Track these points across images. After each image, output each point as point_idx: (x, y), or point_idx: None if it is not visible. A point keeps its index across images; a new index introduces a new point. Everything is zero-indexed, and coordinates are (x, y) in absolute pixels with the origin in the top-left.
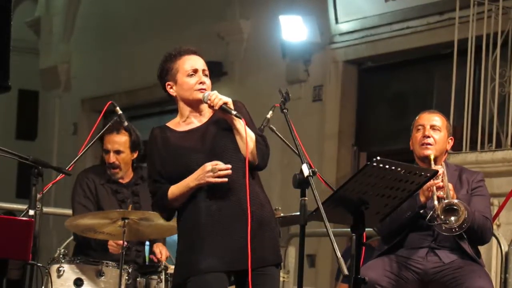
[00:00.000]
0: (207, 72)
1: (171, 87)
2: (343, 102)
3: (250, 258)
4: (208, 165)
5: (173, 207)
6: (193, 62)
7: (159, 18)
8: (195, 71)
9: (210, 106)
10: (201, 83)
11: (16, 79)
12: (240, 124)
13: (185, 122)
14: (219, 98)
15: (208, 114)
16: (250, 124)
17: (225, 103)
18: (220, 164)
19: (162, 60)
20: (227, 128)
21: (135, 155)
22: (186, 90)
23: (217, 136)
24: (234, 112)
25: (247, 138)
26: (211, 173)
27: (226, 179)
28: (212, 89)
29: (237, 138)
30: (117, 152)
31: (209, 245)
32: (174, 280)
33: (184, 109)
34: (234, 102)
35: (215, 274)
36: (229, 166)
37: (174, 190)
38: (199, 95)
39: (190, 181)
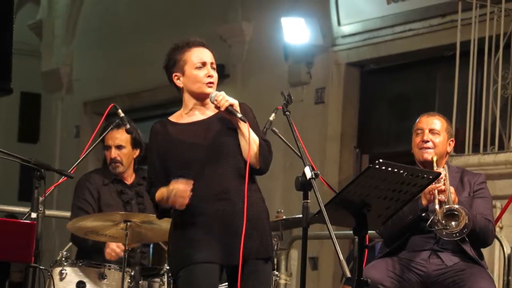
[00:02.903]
0: (214, 65)
1: (178, 78)
2: (346, 104)
3: (238, 254)
4: (171, 188)
5: (162, 208)
6: (202, 54)
7: (161, 21)
8: (204, 64)
9: (216, 107)
10: (209, 76)
11: (18, 81)
12: (244, 127)
13: (188, 114)
14: (225, 99)
15: (212, 109)
16: (255, 127)
17: (231, 105)
18: (180, 186)
19: (169, 51)
20: (231, 127)
21: (137, 152)
22: (194, 83)
23: (220, 133)
24: (239, 115)
25: (249, 141)
26: (172, 198)
27: (183, 206)
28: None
29: (241, 140)
30: (119, 147)
31: (200, 240)
32: (170, 271)
33: (189, 101)
34: (240, 105)
35: (204, 264)
36: (188, 188)
37: (159, 194)
38: (207, 90)
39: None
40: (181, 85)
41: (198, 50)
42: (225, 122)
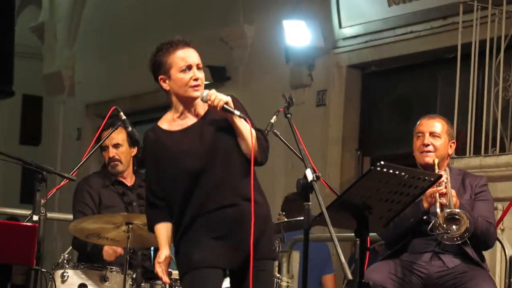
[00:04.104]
0: (201, 65)
1: (164, 81)
2: (347, 107)
3: (244, 258)
4: (158, 268)
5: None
6: (186, 56)
7: (162, 23)
8: (189, 66)
9: (211, 106)
10: (195, 79)
11: (20, 84)
12: (242, 123)
13: (179, 118)
14: (219, 98)
15: (202, 108)
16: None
17: (226, 103)
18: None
19: (154, 53)
20: (225, 126)
21: (135, 151)
22: (180, 86)
23: (216, 136)
24: (237, 113)
25: (252, 138)
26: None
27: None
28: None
29: (239, 137)
30: (116, 146)
31: (206, 244)
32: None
33: (178, 104)
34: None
35: (209, 269)
36: (167, 280)
37: (156, 234)
38: (194, 93)
39: (160, 250)
40: (167, 88)
41: (183, 51)
42: (218, 122)
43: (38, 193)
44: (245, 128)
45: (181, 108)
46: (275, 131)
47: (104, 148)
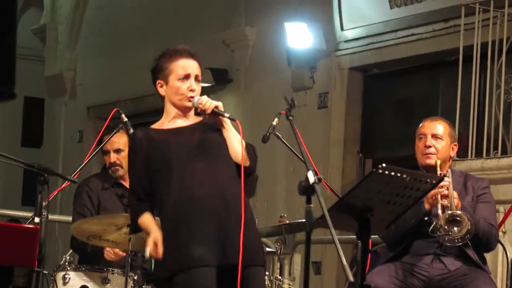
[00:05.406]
0: (200, 78)
1: (161, 86)
2: (349, 109)
3: (235, 253)
4: (146, 251)
5: (137, 227)
6: (188, 66)
7: (164, 25)
8: (187, 76)
9: (202, 111)
10: (191, 90)
11: (22, 86)
12: (232, 132)
13: (170, 122)
14: (210, 102)
15: (194, 119)
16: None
17: (216, 107)
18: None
19: (158, 56)
20: (216, 129)
21: None
22: (175, 94)
23: (208, 134)
24: (227, 114)
25: (242, 141)
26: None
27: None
28: (218, 97)
29: (228, 141)
30: (117, 151)
31: (195, 241)
32: (158, 273)
33: (171, 109)
34: None
35: (205, 268)
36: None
37: (142, 223)
38: (187, 103)
39: (151, 232)
40: (163, 94)
41: (185, 61)
42: (209, 127)
43: (40, 195)
44: (234, 137)
45: (173, 113)
46: (276, 133)
47: (106, 152)
